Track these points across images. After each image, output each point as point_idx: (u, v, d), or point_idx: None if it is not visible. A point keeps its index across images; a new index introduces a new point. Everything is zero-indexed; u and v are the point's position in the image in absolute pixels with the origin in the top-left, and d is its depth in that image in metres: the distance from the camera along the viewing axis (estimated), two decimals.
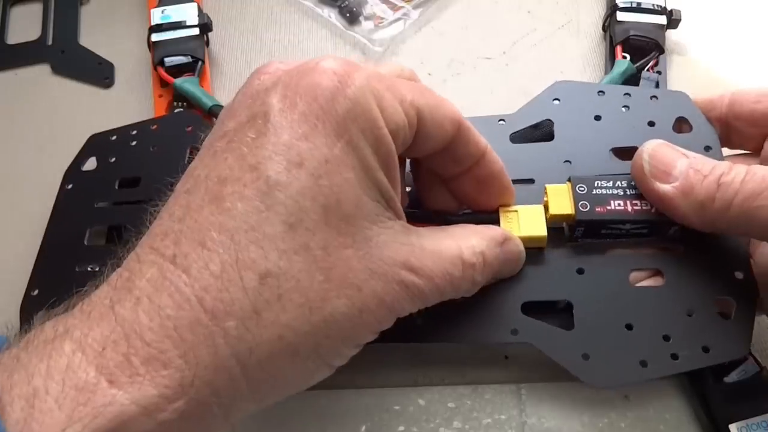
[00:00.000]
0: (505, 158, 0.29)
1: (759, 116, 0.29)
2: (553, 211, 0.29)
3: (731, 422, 0.28)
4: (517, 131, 0.33)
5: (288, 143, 0.21)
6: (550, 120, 0.33)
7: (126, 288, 0.20)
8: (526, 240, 0.29)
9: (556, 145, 0.32)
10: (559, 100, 0.33)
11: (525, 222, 0.29)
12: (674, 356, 0.27)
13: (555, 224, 0.29)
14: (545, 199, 0.29)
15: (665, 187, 0.27)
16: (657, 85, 0.38)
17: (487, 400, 0.31)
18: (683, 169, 0.27)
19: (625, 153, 0.31)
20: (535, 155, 0.32)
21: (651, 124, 0.32)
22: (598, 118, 0.32)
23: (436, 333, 0.25)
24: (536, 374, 0.31)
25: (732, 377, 0.29)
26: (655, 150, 0.28)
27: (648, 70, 0.38)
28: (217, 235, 0.20)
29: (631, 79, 0.38)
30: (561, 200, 0.29)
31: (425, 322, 0.28)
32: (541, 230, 0.29)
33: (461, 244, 0.25)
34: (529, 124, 0.33)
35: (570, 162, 0.31)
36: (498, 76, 0.41)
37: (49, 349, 0.19)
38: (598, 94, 0.33)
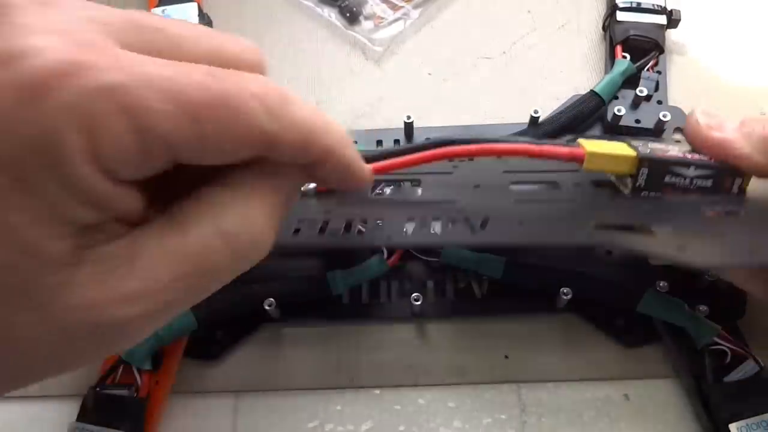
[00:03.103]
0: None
1: None
2: (615, 151, 0.25)
3: (731, 422, 0.28)
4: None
5: None
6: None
7: None
8: (614, 158, 0.25)
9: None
10: None
11: (609, 146, 0.25)
12: None
13: (611, 178, 0.26)
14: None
15: (725, 131, 0.26)
16: (657, 85, 0.38)
17: (487, 400, 0.31)
18: (736, 123, 0.26)
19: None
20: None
21: None
22: None
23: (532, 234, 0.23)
24: (536, 374, 0.31)
25: (732, 377, 0.29)
26: (708, 108, 0.27)
27: (648, 69, 0.38)
28: None
29: (631, 79, 0.38)
30: (618, 146, 0.25)
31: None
32: (629, 150, 0.25)
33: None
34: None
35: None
36: (498, 76, 0.41)
37: None
38: None
